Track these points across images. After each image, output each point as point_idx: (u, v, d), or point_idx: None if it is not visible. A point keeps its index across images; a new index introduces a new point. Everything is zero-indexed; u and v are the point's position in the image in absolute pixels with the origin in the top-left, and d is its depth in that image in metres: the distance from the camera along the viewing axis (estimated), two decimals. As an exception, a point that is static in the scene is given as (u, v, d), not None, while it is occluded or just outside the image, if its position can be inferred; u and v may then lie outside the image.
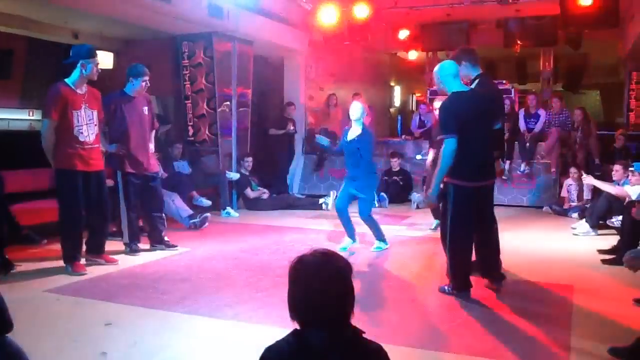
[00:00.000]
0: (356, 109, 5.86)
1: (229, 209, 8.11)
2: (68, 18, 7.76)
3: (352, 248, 5.82)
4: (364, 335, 1.69)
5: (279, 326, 3.24)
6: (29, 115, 11.08)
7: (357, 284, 1.73)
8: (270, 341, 1.71)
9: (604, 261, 5.39)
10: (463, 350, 3.31)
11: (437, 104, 6.67)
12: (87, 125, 4.90)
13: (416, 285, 4.71)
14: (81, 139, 4.85)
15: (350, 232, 5.94)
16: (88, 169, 4.92)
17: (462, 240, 4.22)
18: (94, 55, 4.92)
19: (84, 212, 4.96)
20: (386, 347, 1.72)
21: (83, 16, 7.49)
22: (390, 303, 4.23)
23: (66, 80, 4.88)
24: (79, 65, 4.83)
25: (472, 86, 4.68)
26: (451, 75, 4.22)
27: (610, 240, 5.83)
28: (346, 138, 5.88)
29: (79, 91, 4.88)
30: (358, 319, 1.72)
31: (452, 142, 4.03)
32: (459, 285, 4.23)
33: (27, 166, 6.70)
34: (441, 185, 4.24)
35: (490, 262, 4.43)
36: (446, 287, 4.30)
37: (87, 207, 5.00)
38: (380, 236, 5.95)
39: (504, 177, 8.67)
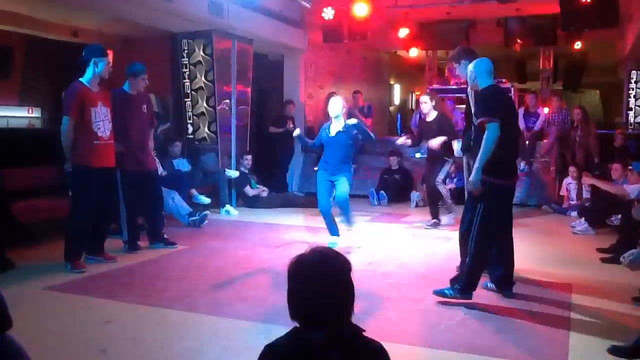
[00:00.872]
0: (337, 105, 5.92)
1: (228, 206, 8.11)
2: (67, 16, 7.76)
3: (334, 239, 5.92)
4: (364, 334, 1.69)
5: (279, 324, 3.25)
6: (28, 113, 11.06)
7: (356, 282, 1.72)
8: (270, 339, 1.71)
9: (603, 260, 5.39)
10: (462, 348, 3.31)
11: (425, 98, 7.07)
12: (103, 122, 5.04)
13: (416, 283, 4.71)
14: (99, 134, 4.99)
15: (335, 229, 6.00)
16: (103, 164, 5.04)
17: (490, 244, 4.10)
18: (105, 54, 5.10)
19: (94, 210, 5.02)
20: (386, 345, 1.72)
21: (82, 14, 7.49)
22: (390, 301, 4.23)
23: (81, 79, 5.00)
24: (91, 63, 4.97)
25: None
26: (487, 72, 4.20)
27: (609, 239, 5.83)
28: (328, 133, 5.92)
29: (93, 89, 5.01)
30: (358, 318, 1.72)
31: (496, 127, 3.89)
32: (469, 288, 4.06)
33: (27, 164, 6.69)
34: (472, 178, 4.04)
35: (504, 267, 4.30)
36: (446, 290, 4.13)
37: (96, 203, 5.05)
38: (349, 220, 6.02)
39: None
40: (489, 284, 4.37)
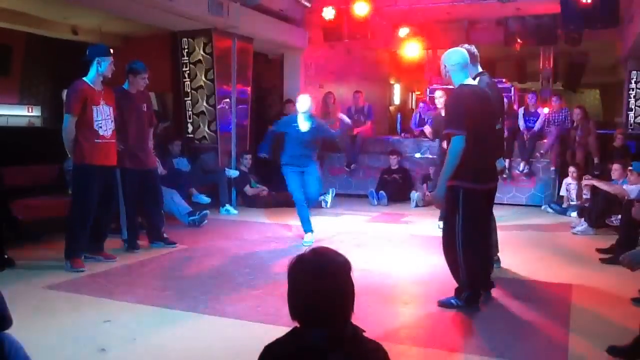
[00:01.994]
0: (305, 102, 6.05)
1: (228, 206, 8.10)
2: (67, 14, 7.75)
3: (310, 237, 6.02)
4: (364, 334, 1.69)
5: (279, 324, 3.25)
6: (28, 112, 11.06)
7: (356, 282, 1.72)
8: (270, 339, 1.71)
9: (602, 260, 5.39)
10: (461, 349, 3.31)
11: (439, 93, 6.65)
12: (105, 120, 5.05)
13: (415, 283, 4.71)
14: (101, 132, 5.00)
15: (309, 224, 6.09)
16: (105, 163, 5.04)
17: (477, 250, 3.96)
18: (109, 54, 5.14)
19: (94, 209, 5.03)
20: (386, 346, 1.72)
21: (82, 12, 7.49)
22: (389, 302, 4.23)
23: (84, 78, 5.02)
24: (95, 63, 5.00)
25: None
26: (459, 65, 3.93)
27: (609, 240, 5.83)
28: (298, 129, 6.01)
29: (96, 88, 5.03)
30: (357, 318, 1.72)
31: (459, 140, 3.74)
32: (475, 298, 3.96)
33: (26, 162, 6.70)
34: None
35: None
36: (453, 300, 3.98)
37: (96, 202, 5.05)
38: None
39: (504, 176, 8.67)
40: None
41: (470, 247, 3.90)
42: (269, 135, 6.42)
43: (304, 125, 6.00)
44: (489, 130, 3.98)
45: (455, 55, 3.97)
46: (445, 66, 3.97)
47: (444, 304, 3.98)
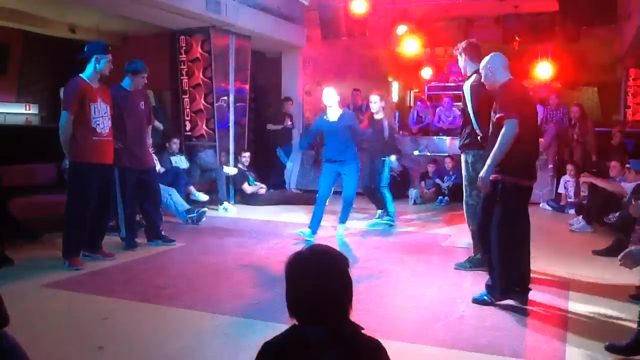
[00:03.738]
0: (331, 95, 6.08)
1: (226, 203, 8.10)
2: (65, 12, 7.74)
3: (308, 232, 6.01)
4: (363, 331, 1.69)
5: (277, 322, 3.25)
6: (26, 110, 11.05)
7: (354, 279, 1.72)
8: (268, 337, 1.71)
9: (595, 252, 5.47)
10: (459, 346, 3.31)
11: (375, 98, 6.81)
12: (103, 118, 5.03)
13: (414, 280, 4.71)
14: (98, 130, 4.97)
15: (317, 224, 6.05)
16: (101, 161, 5.02)
17: (513, 245, 3.96)
18: (107, 52, 5.09)
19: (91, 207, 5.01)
20: (384, 342, 1.72)
21: (80, 10, 7.48)
22: (388, 299, 4.23)
23: (81, 75, 4.99)
24: (93, 60, 4.97)
25: (469, 81, 4.68)
26: (503, 67, 4.06)
27: (607, 237, 5.84)
28: (328, 120, 6.04)
29: (94, 85, 5.01)
30: (356, 315, 1.72)
31: (514, 124, 3.74)
32: (506, 291, 3.94)
33: (24, 161, 6.69)
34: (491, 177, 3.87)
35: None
36: (485, 296, 3.99)
37: (93, 200, 5.03)
38: (345, 219, 6.28)
39: None
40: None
41: (507, 244, 3.90)
42: (308, 132, 6.45)
43: (333, 115, 6.05)
44: (534, 127, 4.06)
45: (498, 58, 4.10)
46: (489, 68, 4.07)
47: (478, 301, 4.00)
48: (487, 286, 4.03)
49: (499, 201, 3.89)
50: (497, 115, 3.87)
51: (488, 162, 3.86)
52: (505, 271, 3.92)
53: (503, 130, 3.78)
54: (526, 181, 3.96)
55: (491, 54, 4.15)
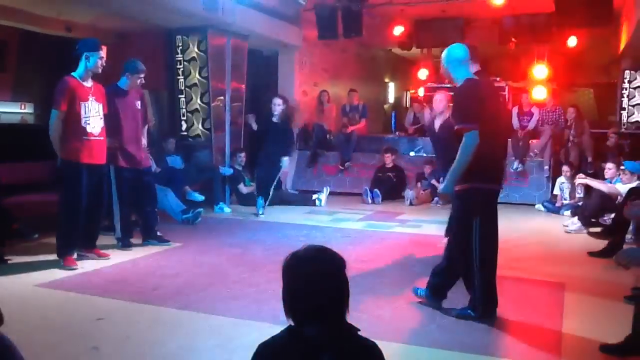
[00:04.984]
0: (442, 101, 5.60)
1: (222, 204, 8.08)
2: (61, 10, 7.70)
3: None
4: (359, 332, 1.69)
5: (273, 322, 3.24)
6: (21, 109, 11.02)
7: (350, 280, 1.72)
8: (264, 337, 1.70)
9: (590, 253, 5.47)
10: (455, 347, 3.31)
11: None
12: (94, 118, 4.96)
13: (409, 281, 4.71)
14: (88, 130, 4.91)
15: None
16: (92, 161, 4.96)
17: (495, 256, 3.73)
18: (98, 49, 5.02)
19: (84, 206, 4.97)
20: (380, 344, 1.72)
21: (76, 8, 7.44)
22: (383, 300, 4.23)
23: (73, 73, 4.94)
24: (83, 57, 4.91)
25: None
26: (458, 61, 3.71)
27: (602, 238, 5.86)
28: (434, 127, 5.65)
29: (85, 84, 4.95)
30: (352, 316, 1.72)
31: (474, 135, 3.47)
32: (491, 308, 3.71)
33: (19, 159, 6.66)
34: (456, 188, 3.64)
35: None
36: (469, 311, 3.74)
37: (86, 200, 4.99)
38: None
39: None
40: (419, 291, 4.06)
41: (488, 257, 3.68)
42: None
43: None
44: (500, 126, 3.79)
45: (454, 51, 3.76)
46: (444, 63, 3.78)
47: (460, 316, 3.74)
48: (470, 301, 3.78)
49: (474, 214, 3.64)
50: (456, 127, 3.60)
51: (448, 176, 3.63)
52: (489, 289, 3.69)
53: (462, 143, 3.51)
54: (494, 185, 3.71)
55: (448, 47, 3.80)
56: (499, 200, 3.88)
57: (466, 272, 3.77)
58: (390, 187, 9.38)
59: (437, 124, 5.58)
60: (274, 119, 7.18)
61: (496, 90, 3.90)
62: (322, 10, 9.62)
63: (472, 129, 3.49)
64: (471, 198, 3.63)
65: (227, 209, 8.08)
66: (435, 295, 3.95)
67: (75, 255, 5.01)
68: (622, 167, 6.61)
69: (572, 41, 10.59)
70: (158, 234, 5.88)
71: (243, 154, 8.90)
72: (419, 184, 9.34)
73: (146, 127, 5.89)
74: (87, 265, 4.95)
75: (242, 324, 3.61)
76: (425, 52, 13.28)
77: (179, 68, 8.49)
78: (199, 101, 8.47)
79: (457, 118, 3.65)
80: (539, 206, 8.61)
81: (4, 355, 2.07)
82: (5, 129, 8.68)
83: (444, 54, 3.81)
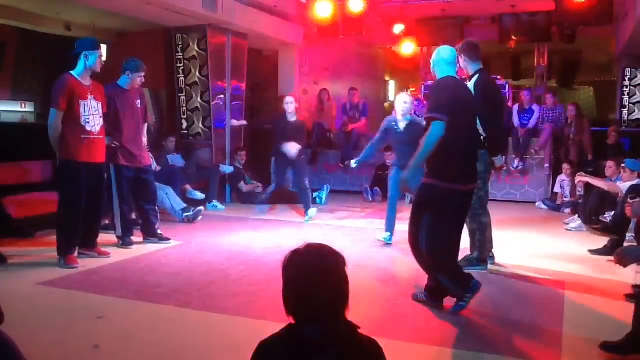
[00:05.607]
0: (404, 101, 5.88)
1: (215, 202, 8.08)
2: (60, 9, 7.71)
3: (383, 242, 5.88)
4: (359, 331, 1.69)
5: (273, 321, 3.23)
6: (21, 108, 11.02)
7: (351, 279, 1.72)
8: (264, 336, 1.70)
9: (591, 251, 5.49)
10: (455, 345, 3.32)
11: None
12: (93, 116, 4.95)
13: (410, 279, 4.71)
14: (88, 128, 4.90)
15: (391, 225, 5.97)
16: (91, 160, 4.95)
17: (446, 252, 3.77)
18: (97, 47, 5.01)
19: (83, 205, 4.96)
20: (380, 341, 1.72)
21: (76, 7, 7.45)
22: (384, 298, 4.23)
23: (71, 72, 4.93)
24: (82, 56, 4.90)
25: (473, 81, 4.66)
26: (445, 62, 3.87)
27: (602, 237, 5.85)
28: (398, 128, 5.87)
29: (84, 82, 4.94)
30: (352, 314, 1.71)
31: (441, 126, 3.55)
32: (465, 286, 3.75)
33: (19, 158, 6.67)
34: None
35: None
36: (461, 303, 3.76)
37: (85, 198, 4.99)
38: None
39: (504, 169, 8.59)
40: (419, 295, 4.04)
41: (437, 252, 3.73)
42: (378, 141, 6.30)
43: (401, 124, 5.83)
44: (470, 125, 3.84)
45: (442, 52, 3.93)
46: (432, 62, 3.97)
47: (456, 311, 3.77)
48: (452, 293, 3.81)
49: (428, 208, 3.71)
50: (426, 115, 3.74)
51: (412, 162, 3.71)
52: (456, 277, 3.75)
53: (428, 131, 3.62)
54: (457, 185, 3.69)
55: (438, 49, 3.99)
56: (500, 198, 3.88)
57: (422, 265, 3.90)
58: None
59: (403, 125, 5.84)
60: (290, 118, 7.16)
61: (467, 89, 4.00)
62: (323, 8, 9.60)
63: (441, 119, 3.58)
64: (425, 193, 3.75)
65: (220, 207, 8.07)
66: (432, 297, 3.94)
67: (76, 254, 5.01)
68: (622, 165, 6.60)
69: (572, 39, 10.56)
70: (158, 232, 5.88)
71: (243, 153, 8.90)
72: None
73: (146, 125, 5.89)
74: (87, 264, 4.95)
75: (242, 322, 3.62)
76: (425, 51, 13.27)
77: (179, 67, 8.50)
78: (199, 99, 8.48)
79: (429, 107, 3.77)
80: (539, 204, 8.61)
81: (5, 354, 2.08)
82: (5, 128, 8.68)
83: (433, 54, 3.97)
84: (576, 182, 7.57)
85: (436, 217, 3.69)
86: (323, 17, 9.39)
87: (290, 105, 7.17)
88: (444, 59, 3.89)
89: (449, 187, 3.67)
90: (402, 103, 5.88)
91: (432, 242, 3.72)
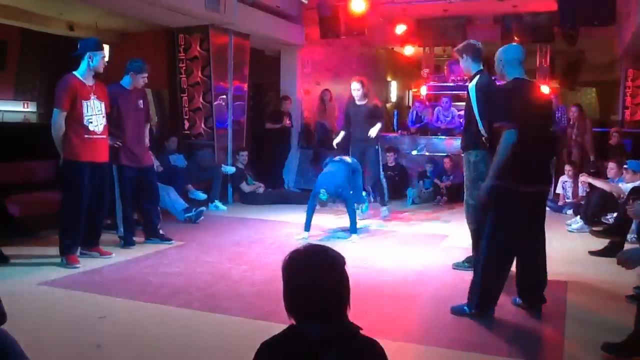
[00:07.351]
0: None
1: (217, 202, 8.08)
2: (63, 9, 7.73)
3: None
4: (361, 331, 1.69)
5: (275, 321, 3.24)
6: (24, 107, 11.03)
7: (352, 279, 1.72)
8: (266, 336, 1.70)
9: (591, 252, 5.47)
10: (457, 345, 3.32)
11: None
12: (96, 116, 4.97)
13: (411, 280, 4.71)
14: (91, 128, 4.92)
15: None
16: (94, 159, 4.96)
17: (503, 259, 3.72)
18: (100, 48, 5.04)
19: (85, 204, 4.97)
20: (382, 342, 1.72)
21: (78, 8, 7.46)
22: (385, 298, 4.23)
23: (74, 72, 4.94)
24: (86, 57, 4.92)
25: (473, 82, 4.65)
26: (517, 60, 3.77)
27: (604, 237, 5.84)
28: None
29: (87, 83, 4.95)
30: (354, 315, 1.72)
31: (512, 134, 3.50)
32: (485, 305, 3.72)
33: (22, 158, 6.67)
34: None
35: (527, 282, 3.93)
36: (466, 307, 3.76)
37: (88, 198, 5.00)
38: None
39: None
40: (517, 299, 4.00)
41: (493, 254, 3.67)
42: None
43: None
44: (541, 128, 3.78)
45: (513, 50, 3.85)
46: (501, 60, 3.81)
47: (456, 312, 3.79)
48: (470, 295, 3.78)
49: (492, 210, 3.68)
50: (496, 125, 3.70)
51: (490, 172, 3.68)
52: (487, 284, 3.70)
53: (501, 140, 3.57)
54: (525, 187, 3.63)
55: (506, 46, 3.89)
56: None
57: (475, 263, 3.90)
58: (392, 186, 9.35)
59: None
60: (359, 102, 7.19)
61: (539, 91, 3.93)
62: (325, 9, 9.61)
63: (511, 127, 3.53)
64: (492, 193, 3.65)
65: (222, 207, 8.07)
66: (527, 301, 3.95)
67: (78, 254, 5.02)
68: (625, 166, 6.60)
69: (574, 40, 10.55)
70: (160, 232, 5.89)
71: (245, 153, 8.90)
72: (420, 183, 9.33)
73: (148, 125, 5.90)
74: (89, 264, 4.96)
75: (245, 323, 3.62)
76: (427, 51, 13.27)
77: (182, 67, 8.50)
78: (201, 100, 8.48)
79: (498, 115, 3.69)
80: (541, 205, 8.59)
81: (8, 353, 2.08)
82: (8, 127, 8.69)
83: (500, 51, 3.85)
84: (580, 182, 7.56)
85: (500, 217, 3.65)
86: (325, 17, 9.40)
87: (356, 91, 7.15)
88: (517, 58, 3.78)
89: (510, 187, 3.60)
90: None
91: (492, 241, 3.68)
